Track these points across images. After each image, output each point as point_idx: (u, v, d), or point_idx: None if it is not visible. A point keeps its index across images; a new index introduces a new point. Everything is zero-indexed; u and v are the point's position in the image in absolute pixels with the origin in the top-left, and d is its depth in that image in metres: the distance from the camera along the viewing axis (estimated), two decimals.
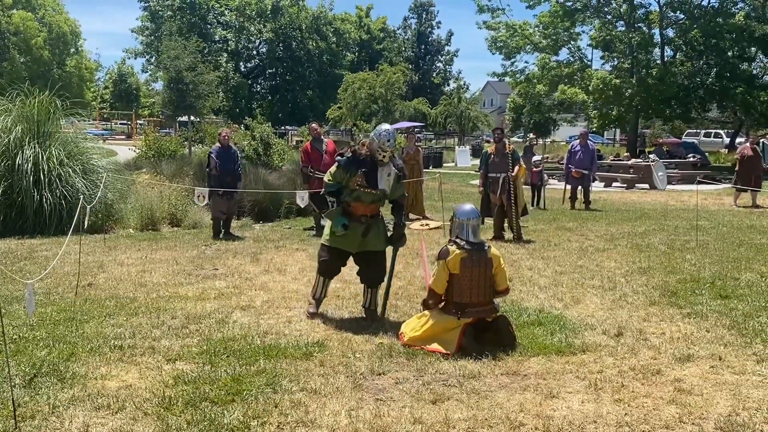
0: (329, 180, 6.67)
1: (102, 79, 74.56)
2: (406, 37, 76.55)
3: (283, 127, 54.53)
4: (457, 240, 5.92)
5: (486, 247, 5.94)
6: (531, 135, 29.78)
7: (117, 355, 5.46)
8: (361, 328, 6.27)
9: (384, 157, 6.54)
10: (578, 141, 16.91)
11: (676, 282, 8.15)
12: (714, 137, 45.45)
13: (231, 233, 11.73)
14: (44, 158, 12.03)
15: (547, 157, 24.99)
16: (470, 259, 5.78)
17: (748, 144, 17.31)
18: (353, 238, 6.64)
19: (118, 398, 4.59)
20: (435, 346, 5.65)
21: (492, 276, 5.87)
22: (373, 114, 33.46)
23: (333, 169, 6.68)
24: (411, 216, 14.41)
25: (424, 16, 77.28)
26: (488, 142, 50.80)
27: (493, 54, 37.69)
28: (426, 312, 5.97)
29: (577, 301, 7.28)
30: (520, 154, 13.58)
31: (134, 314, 6.65)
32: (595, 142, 23.34)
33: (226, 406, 4.48)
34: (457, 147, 43.66)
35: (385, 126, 6.69)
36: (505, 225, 11.54)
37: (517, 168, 11.40)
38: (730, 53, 33.00)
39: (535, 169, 16.59)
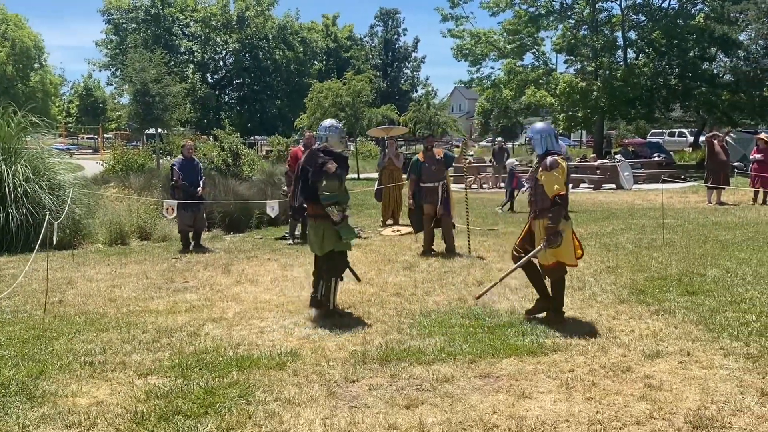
0: (332, 194, 6.70)
1: (67, 94, 73.72)
2: (373, 45, 76.78)
3: (252, 138, 54.29)
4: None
5: None
6: (499, 139, 30.00)
7: (87, 371, 5.40)
8: (334, 336, 6.27)
9: (344, 145, 7.18)
10: None
11: (644, 280, 8.27)
12: (678, 136, 46.13)
13: (201, 245, 11.68)
14: (10, 175, 11.87)
15: (520, 160, 25.19)
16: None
17: (716, 141, 17.53)
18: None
19: (90, 415, 4.54)
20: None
21: None
22: (340, 121, 33.41)
23: (328, 183, 6.66)
24: (388, 222, 14.45)
25: (390, 23, 77.56)
26: (458, 146, 51.23)
27: (459, 61, 38.14)
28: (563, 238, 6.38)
29: None
30: (489, 158, 13.57)
31: (104, 330, 6.58)
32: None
33: (199, 419, 4.46)
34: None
35: (333, 121, 7.32)
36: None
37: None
38: (691, 53, 33.57)
39: (517, 173, 16.64)
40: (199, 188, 11.69)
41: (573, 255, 6.53)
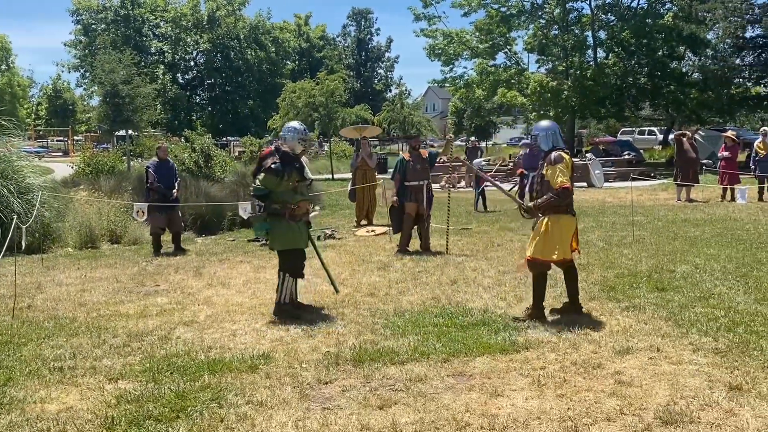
0: (259, 186, 6.97)
1: (36, 96, 72.77)
2: (346, 45, 76.81)
3: (224, 138, 53.99)
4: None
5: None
6: (472, 138, 30.13)
7: (57, 377, 5.33)
8: (307, 337, 6.25)
9: (305, 146, 7.26)
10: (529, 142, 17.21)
11: (615, 277, 8.36)
12: (648, 134, 46.71)
13: (182, 248, 11.54)
14: None
15: (489, 160, 25.30)
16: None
17: (685, 139, 17.72)
18: (304, 236, 7.16)
19: (59, 421, 4.48)
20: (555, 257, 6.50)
21: None
22: (314, 122, 33.33)
23: (263, 176, 6.94)
24: (362, 222, 14.43)
25: (362, 23, 77.66)
26: (433, 146, 51.47)
27: (432, 61, 38.20)
28: (539, 232, 6.52)
29: (520, 299, 7.39)
30: (463, 157, 13.60)
31: (74, 335, 6.50)
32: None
33: (170, 423, 4.42)
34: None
35: (295, 123, 7.44)
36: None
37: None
38: (660, 53, 33.95)
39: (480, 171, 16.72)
40: (174, 190, 11.61)
41: (568, 250, 6.62)
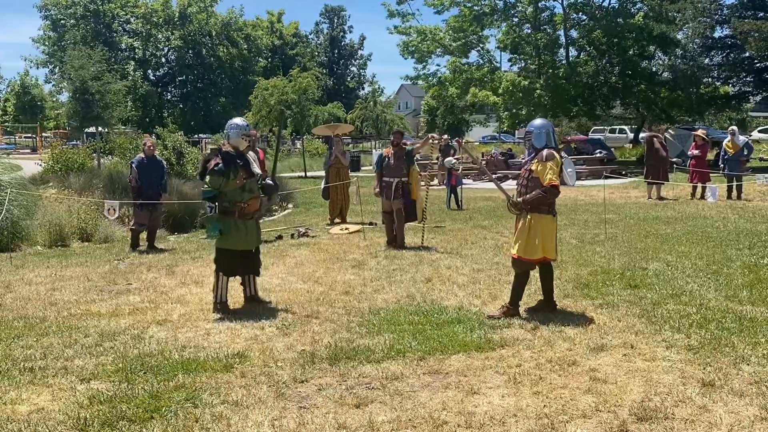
0: (208, 189, 7.07)
1: (3, 92, 71.51)
2: (319, 42, 76.61)
3: (196, 136, 53.51)
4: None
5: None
6: (445, 136, 30.10)
7: (27, 377, 5.24)
8: (282, 336, 6.21)
9: (249, 142, 7.34)
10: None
11: (588, 274, 8.42)
12: (619, 133, 47.22)
13: (155, 246, 11.41)
14: None
15: (460, 158, 25.32)
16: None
17: (655, 139, 17.90)
18: (251, 237, 7.21)
19: (30, 423, 4.41)
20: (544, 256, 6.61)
21: None
22: (287, 120, 33.14)
23: (208, 178, 7.01)
24: (336, 220, 14.38)
25: (335, 20, 77.52)
26: (406, 144, 51.45)
27: (406, 59, 38.12)
28: (524, 231, 6.65)
29: (494, 297, 7.43)
30: (436, 155, 13.60)
31: (45, 334, 6.39)
32: (506, 141, 23.68)
33: (144, 423, 4.37)
34: (374, 150, 43.79)
35: (237, 119, 7.42)
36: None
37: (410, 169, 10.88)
38: (630, 52, 34.27)
39: (455, 171, 16.77)
40: (164, 193, 11.57)
41: (551, 249, 6.71)
